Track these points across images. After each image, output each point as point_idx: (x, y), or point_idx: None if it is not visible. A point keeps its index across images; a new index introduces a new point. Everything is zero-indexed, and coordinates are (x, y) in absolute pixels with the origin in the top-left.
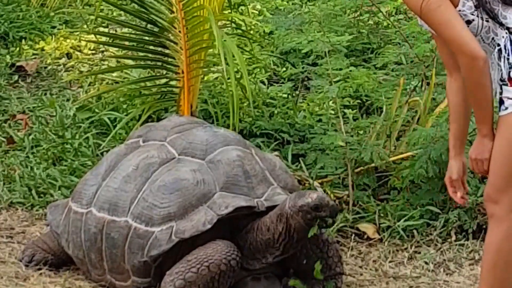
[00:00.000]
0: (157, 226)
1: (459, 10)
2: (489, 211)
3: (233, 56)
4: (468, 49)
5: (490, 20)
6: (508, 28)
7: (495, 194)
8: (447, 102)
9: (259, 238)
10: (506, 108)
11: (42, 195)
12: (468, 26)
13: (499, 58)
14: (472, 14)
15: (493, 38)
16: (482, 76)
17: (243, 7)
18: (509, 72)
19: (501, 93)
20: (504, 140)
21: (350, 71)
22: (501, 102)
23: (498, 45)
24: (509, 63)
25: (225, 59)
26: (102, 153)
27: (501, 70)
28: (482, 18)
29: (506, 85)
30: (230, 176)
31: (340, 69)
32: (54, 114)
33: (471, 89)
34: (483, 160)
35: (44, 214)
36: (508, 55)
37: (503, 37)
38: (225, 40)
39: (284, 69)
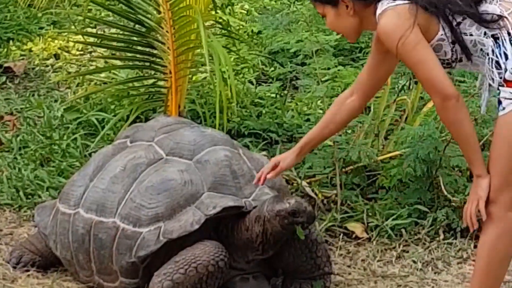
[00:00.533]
0: (145, 227)
1: (441, 35)
2: (486, 210)
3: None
4: (440, 89)
5: (473, 33)
6: (493, 35)
7: (493, 194)
8: (328, 112)
9: (239, 237)
10: (504, 108)
11: (30, 197)
12: (455, 44)
13: (491, 65)
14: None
15: (481, 49)
16: (455, 114)
17: (231, 7)
18: (504, 74)
19: (499, 94)
20: (502, 141)
21: (338, 70)
22: (499, 102)
23: (487, 54)
24: (500, 66)
25: (212, 59)
26: (90, 154)
27: (495, 75)
28: (465, 34)
29: (503, 86)
30: (218, 176)
31: (328, 69)
32: (42, 115)
33: (448, 127)
34: (478, 199)
35: (32, 215)
36: (497, 57)
37: (490, 46)
38: (211, 41)
39: (272, 68)
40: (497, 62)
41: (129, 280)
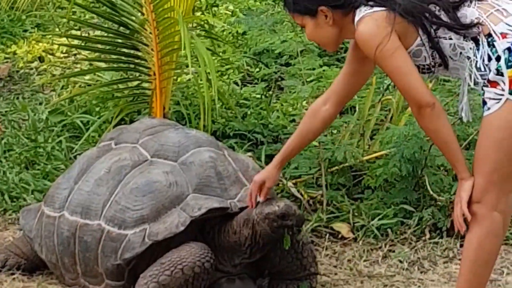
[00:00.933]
0: (130, 229)
1: (420, 40)
2: (471, 210)
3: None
4: (416, 97)
5: (453, 37)
6: (473, 38)
7: (478, 194)
8: (302, 121)
9: (226, 240)
10: (489, 109)
11: (15, 200)
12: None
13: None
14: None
15: (461, 53)
16: (432, 122)
17: (215, 9)
18: (488, 75)
19: (483, 94)
20: (487, 141)
21: (323, 70)
22: (484, 103)
23: (468, 58)
24: (482, 68)
25: (197, 60)
26: (75, 157)
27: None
28: (445, 38)
29: (487, 86)
30: (203, 177)
31: (313, 69)
32: (27, 118)
33: (427, 134)
34: (460, 200)
35: (17, 218)
36: (479, 59)
37: (470, 48)
38: (195, 42)
39: (257, 69)
40: (481, 64)
41: (115, 282)
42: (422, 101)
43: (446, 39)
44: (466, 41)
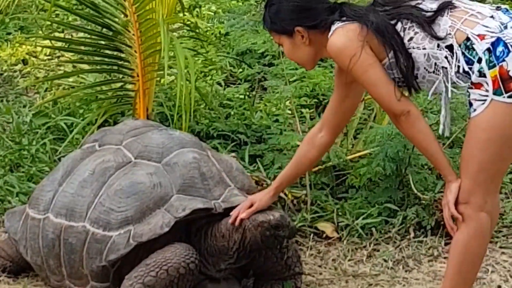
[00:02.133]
0: (114, 231)
1: (392, 57)
2: (458, 211)
3: (186, 59)
4: (389, 106)
5: (426, 47)
6: (447, 46)
7: (465, 195)
8: (299, 149)
9: (214, 243)
10: (475, 110)
11: None
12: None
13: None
14: (408, 48)
15: (435, 64)
16: (408, 129)
17: (198, 9)
18: (471, 77)
19: (468, 96)
20: (472, 141)
21: (306, 70)
22: (470, 104)
23: (444, 67)
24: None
25: (179, 61)
26: (59, 159)
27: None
28: (418, 48)
29: (471, 88)
30: (187, 178)
31: (296, 69)
32: (11, 120)
33: (410, 140)
34: (447, 202)
35: (2, 221)
36: (459, 64)
37: (445, 57)
38: (174, 44)
39: (241, 70)
40: (463, 69)
41: (100, 284)
42: (396, 110)
43: (419, 49)
44: (440, 50)
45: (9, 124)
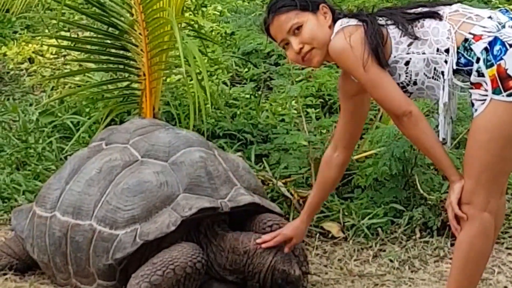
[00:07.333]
0: (121, 229)
1: (394, 57)
2: (462, 211)
3: (194, 58)
4: (391, 108)
5: (426, 51)
6: (446, 51)
7: (468, 195)
8: (319, 174)
9: (222, 253)
10: (476, 110)
11: (6, 200)
12: (408, 64)
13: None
14: (408, 54)
15: (435, 68)
16: (410, 130)
17: (204, 9)
18: (470, 78)
19: (470, 96)
20: (474, 142)
21: (312, 70)
22: (472, 104)
23: (443, 73)
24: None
25: (187, 60)
26: (65, 157)
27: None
28: (418, 53)
29: (472, 88)
30: (193, 177)
31: (302, 69)
32: (17, 119)
33: (412, 142)
34: (451, 203)
35: (9, 219)
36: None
37: (445, 61)
38: (186, 42)
39: (246, 69)
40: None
41: (106, 282)
42: (397, 111)
43: (419, 53)
44: (439, 54)
45: (15, 123)
